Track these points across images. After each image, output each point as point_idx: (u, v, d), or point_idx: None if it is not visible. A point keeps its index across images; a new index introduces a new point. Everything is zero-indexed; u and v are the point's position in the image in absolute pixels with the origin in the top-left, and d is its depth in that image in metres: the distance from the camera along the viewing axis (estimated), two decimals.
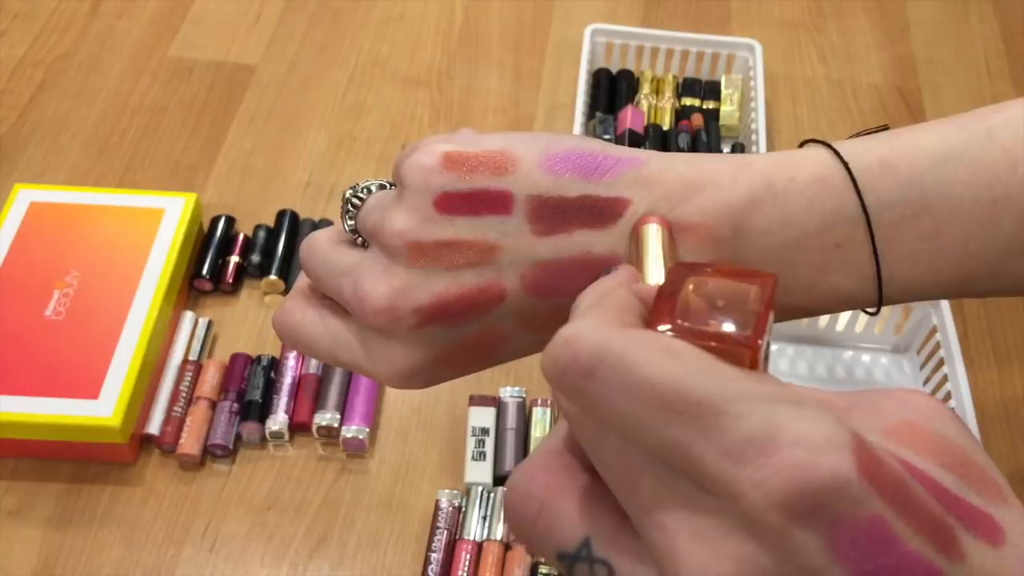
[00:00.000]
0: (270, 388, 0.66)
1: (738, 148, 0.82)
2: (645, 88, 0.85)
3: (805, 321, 0.70)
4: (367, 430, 0.64)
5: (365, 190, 0.37)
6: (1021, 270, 0.36)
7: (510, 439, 0.64)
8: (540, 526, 0.26)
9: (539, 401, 0.65)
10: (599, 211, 0.33)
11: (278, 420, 0.64)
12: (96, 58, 0.88)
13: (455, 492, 0.61)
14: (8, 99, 0.84)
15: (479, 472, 0.62)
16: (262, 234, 0.74)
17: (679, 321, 0.25)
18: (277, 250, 0.73)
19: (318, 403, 0.65)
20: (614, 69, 0.88)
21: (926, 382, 0.67)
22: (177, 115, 0.84)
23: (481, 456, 0.63)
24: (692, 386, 0.23)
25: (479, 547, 0.60)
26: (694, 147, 0.81)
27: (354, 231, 0.37)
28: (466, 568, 0.58)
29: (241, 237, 0.74)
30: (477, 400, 0.65)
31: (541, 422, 0.65)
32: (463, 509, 0.61)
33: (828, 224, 0.34)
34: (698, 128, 0.82)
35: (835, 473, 0.21)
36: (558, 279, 0.34)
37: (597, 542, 0.25)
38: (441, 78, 0.89)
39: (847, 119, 0.87)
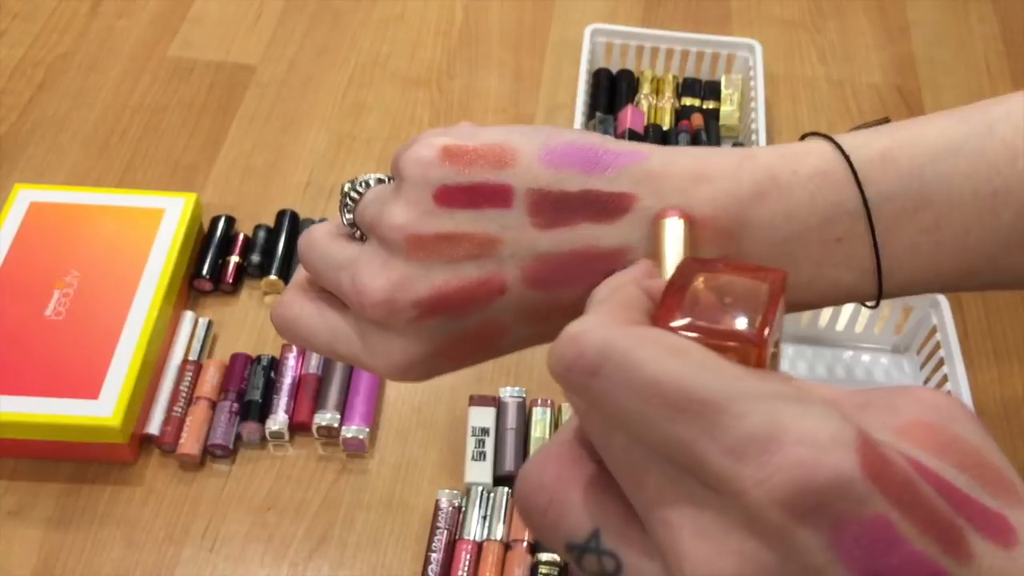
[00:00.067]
0: (270, 388, 0.66)
1: None
2: (645, 88, 0.85)
3: (805, 321, 0.70)
4: (367, 430, 0.64)
5: (364, 184, 0.37)
6: (1021, 263, 0.36)
7: (510, 439, 0.64)
8: (550, 517, 0.26)
9: (539, 401, 0.65)
10: (603, 205, 0.33)
11: (278, 420, 0.64)
12: (96, 58, 0.88)
13: (455, 492, 0.61)
14: (8, 99, 0.84)
15: (479, 472, 0.62)
16: (262, 234, 0.74)
17: (685, 317, 0.25)
18: (277, 250, 0.73)
19: (318, 403, 0.65)
20: (614, 69, 0.88)
21: (926, 382, 0.67)
22: (177, 115, 0.84)
23: (481, 456, 0.63)
24: (695, 384, 0.23)
25: (479, 547, 0.60)
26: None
27: (352, 225, 0.37)
28: (466, 568, 0.58)
29: (241, 237, 0.74)
30: (477, 400, 0.65)
31: (541, 422, 0.65)
32: (463, 509, 0.61)
33: (830, 217, 0.34)
34: (698, 128, 0.82)
35: (838, 472, 0.21)
36: (560, 272, 0.34)
37: (606, 534, 0.25)
38: (441, 78, 0.89)
39: (847, 119, 0.87)
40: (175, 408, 0.64)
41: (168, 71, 0.88)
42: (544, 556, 0.59)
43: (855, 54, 0.94)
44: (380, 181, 0.37)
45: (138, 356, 0.63)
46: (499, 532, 0.60)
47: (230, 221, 0.75)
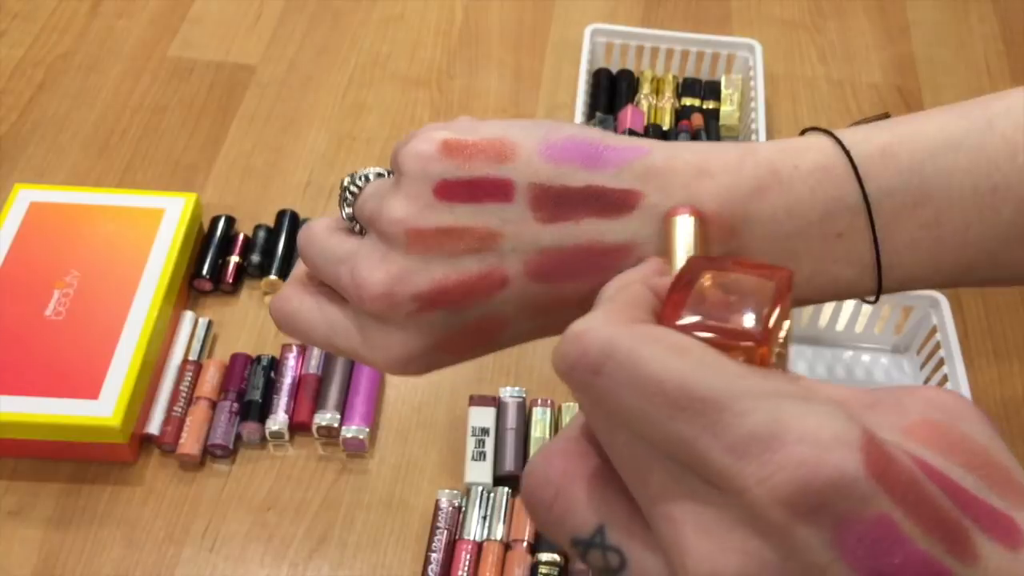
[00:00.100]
0: (270, 388, 0.66)
1: None
2: (645, 88, 0.85)
3: (805, 321, 0.70)
4: (367, 430, 0.64)
5: (363, 178, 0.37)
6: (1020, 258, 0.36)
7: (510, 439, 0.64)
8: (556, 511, 0.26)
9: (539, 401, 0.65)
10: (608, 201, 0.33)
11: (278, 420, 0.64)
12: (96, 58, 0.88)
13: (455, 492, 0.61)
14: (8, 99, 0.84)
15: (479, 472, 0.62)
16: (262, 234, 0.74)
17: (689, 315, 0.25)
18: (277, 250, 0.73)
19: (318, 403, 0.65)
20: (614, 69, 0.88)
21: (926, 382, 0.67)
22: (177, 115, 0.84)
23: (481, 456, 0.63)
24: (697, 382, 0.23)
25: (479, 547, 0.60)
26: None
27: (352, 219, 0.37)
28: (466, 568, 0.58)
29: (241, 237, 0.74)
30: (477, 400, 0.65)
31: (541, 422, 0.65)
32: (463, 509, 0.61)
33: (830, 212, 0.34)
34: (698, 128, 0.82)
35: (840, 470, 0.21)
36: (563, 266, 0.34)
37: (611, 529, 0.25)
38: (441, 78, 0.89)
39: (847, 119, 0.87)
40: (175, 408, 0.64)
41: (168, 71, 0.88)
42: (544, 556, 0.59)
43: (855, 54, 0.94)
44: (380, 175, 0.37)
45: (138, 356, 0.63)
46: (499, 532, 0.60)
47: (230, 221, 0.75)
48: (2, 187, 0.77)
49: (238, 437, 0.64)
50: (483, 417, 0.65)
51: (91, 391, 0.61)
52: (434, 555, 0.59)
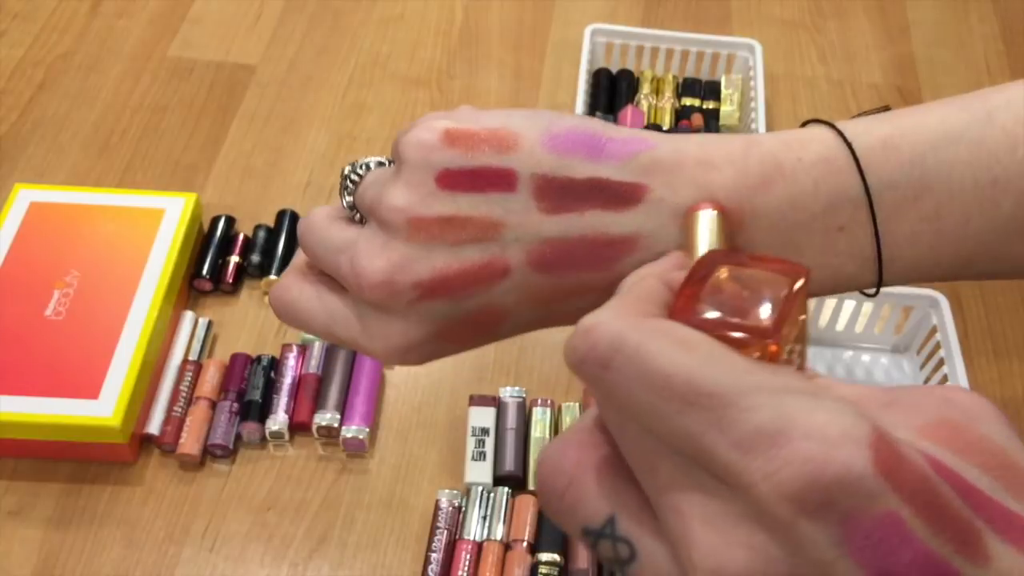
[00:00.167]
0: (270, 388, 0.66)
1: None
2: (645, 88, 0.85)
3: None
4: (367, 430, 0.64)
5: (364, 167, 0.37)
6: (1019, 252, 0.36)
7: (510, 439, 0.64)
8: (567, 501, 0.26)
9: (539, 401, 0.65)
10: (613, 193, 0.33)
11: (278, 420, 0.64)
12: (96, 58, 0.88)
13: (455, 492, 0.61)
14: (8, 99, 0.84)
15: (479, 472, 0.62)
16: (262, 234, 0.74)
17: (701, 310, 0.25)
18: (277, 250, 0.73)
19: (318, 403, 0.65)
20: (614, 69, 0.88)
21: (926, 382, 0.67)
22: (177, 115, 0.84)
23: (481, 456, 0.63)
24: (704, 377, 0.23)
25: (479, 547, 0.60)
26: None
27: (352, 208, 0.37)
28: (466, 568, 0.58)
29: (241, 237, 0.74)
30: (477, 400, 0.65)
31: (541, 422, 0.65)
32: (463, 509, 0.61)
33: (833, 205, 0.34)
34: (698, 128, 0.82)
35: (848, 467, 0.21)
36: (567, 256, 0.34)
37: (621, 520, 0.25)
38: (441, 78, 0.89)
39: (846, 119, 0.87)
40: (175, 408, 0.64)
41: (168, 71, 0.88)
42: (544, 556, 0.59)
43: (855, 54, 0.94)
44: (380, 164, 0.37)
45: (138, 356, 0.63)
46: (499, 532, 0.60)
47: (230, 221, 0.75)
48: (2, 187, 0.77)
49: (238, 437, 0.64)
50: (483, 417, 0.65)
51: (91, 391, 0.61)
52: (434, 555, 0.59)
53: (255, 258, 0.73)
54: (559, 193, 0.33)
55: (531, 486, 0.62)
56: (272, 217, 0.76)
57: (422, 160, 0.33)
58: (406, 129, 0.34)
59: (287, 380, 0.66)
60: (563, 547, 0.60)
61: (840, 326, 0.70)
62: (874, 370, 0.70)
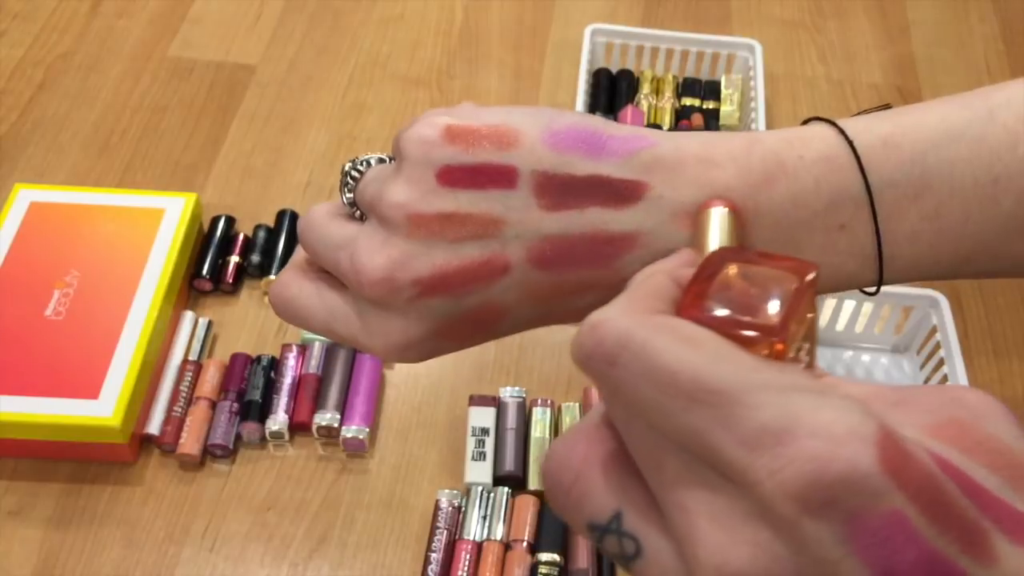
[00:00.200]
0: (270, 388, 0.66)
1: None
2: (645, 88, 0.85)
3: None
4: (367, 430, 0.64)
5: (364, 163, 0.36)
6: (1020, 250, 0.36)
7: (510, 439, 0.64)
8: (574, 495, 0.26)
9: (539, 401, 0.65)
10: (613, 191, 0.33)
11: (278, 420, 0.64)
12: (96, 58, 0.88)
13: (455, 492, 0.61)
14: (8, 99, 0.84)
15: (479, 472, 0.62)
16: (262, 234, 0.74)
17: (708, 307, 0.25)
18: (277, 250, 0.73)
19: (318, 403, 0.65)
20: (614, 69, 0.88)
21: (926, 382, 0.67)
22: (177, 115, 0.84)
23: (481, 456, 0.63)
24: (710, 374, 0.23)
25: (479, 547, 0.60)
26: None
27: (352, 204, 0.36)
28: (466, 568, 0.58)
29: (241, 237, 0.74)
30: (477, 400, 0.65)
31: (541, 422, 0.65)
32: (463, 509, 0.61)
33: (834, 203, 0.34)
34: (698, 128, 0.82)
35: (853, 465, 0.21)
36: (567, 253, 0.33)
37: (627, 516, 0.25)
38: (441, 78, 0.89)
39: (846, 118, 0.87)
40: (175, 408, 0.64)
41: (168, 71, 0.88)
42: (544, 556, 0.59)
43: (855, 54, 0.94)
44: (381, 161, 0.37)
45: (138, 356, 0.63)
46: (499, 532, 0.60)
47: (230, 221, 0.75)
48: (2, 187, 0.77)
49: (238, 437, 0.64)
50: (483, 417, 0.65)
51: (91, 391, 0.61)
52: (434, 555, 0.59)
53: (255, 258, 0.73)
54: (559, 190, 0.33)
55: (531, 486, 0.62)
56: (272, 217, 0.76)
57: (423, 156, 0.33)
58: (407, 125, 0.34)
59: (287, 380, 0.66)
60: (563, 547, 0.60)
61: (840, 326, 0.70)
62: (874, 370, 0.70)
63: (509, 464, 0.63)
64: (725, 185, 0.33)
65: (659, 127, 0.82)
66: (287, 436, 0.65)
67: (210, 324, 0.70)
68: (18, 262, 0.67)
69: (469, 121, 0.33)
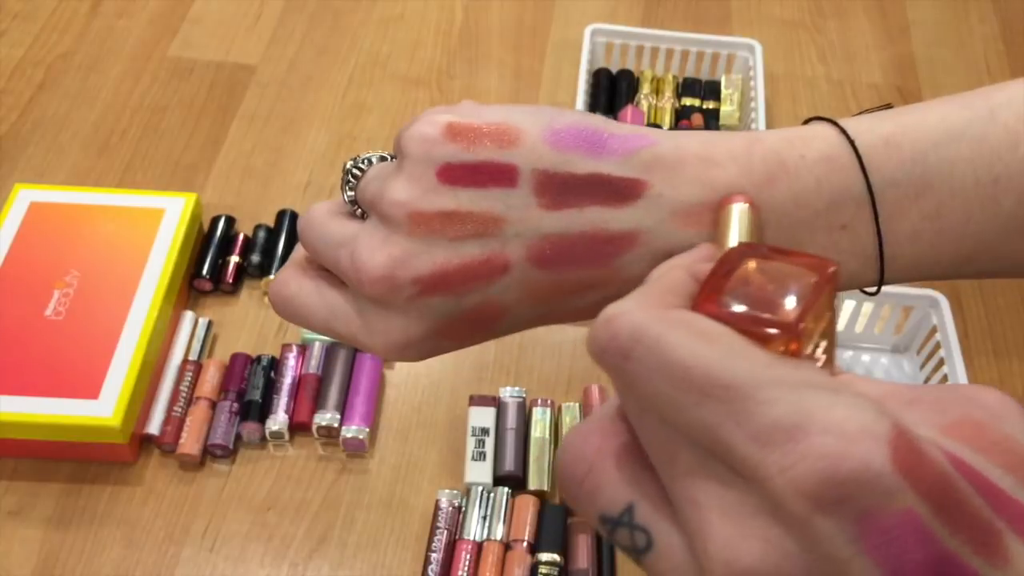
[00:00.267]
0: (270, 388, 0.66)
1: None
2: (645, 88, 0.85)
3: None
4: (367, 430, 0.64)
5: (366, 161, 0.36)
6: (1020, 250, 0.36)
7: (510, 439, 0.64)
8: (586, 487, 0.26)
9: (539, 401, 0.65)
10: (613, 189, 0.33)
11: (278, 420, 0.64)
12: (96, 58, 0.88)
13: (455, 492, 0.61)
14: (8, 99, 0.84)
15: (479, 472, 0.62)
16: (262, 234, 0.74)
17: (724, 302, 0.25)
18: (277, 250, 0.73)
19: (318, 403, 0.65)
20: (614, 69, 0.88)
21: (926, 382, 0.67)
22: (177, 115, 0.84)
23: (481, 456, 0.63)
24: (723, 369, 0.23)
25: (479, 547, 0.60)
26: None
27: (353, 202, 0.36)
28: (466, 568, 0.58)
29: (241, 237, 0.74)
30: (477, 400, 0.65)
31: (541, 422, 0.65)
32: (463, 509, 0.61)
33: (836, 203, 0.34)
34: (698, 128, 0.82)
35: (865, 463, 0.21)
36: (567, 252, 0.33)
37: (640, 509, 0.25)
38: (441, 78, 0.89)
39: (847, 118, 0.87)
40: (175, 408, 0.64)
41: (168, 71, 0.88)
42: (544, 556, 0.59)
43: (855, 54, 0.94)
44: (383, 159, 0.37)
45: (138, 356, 0.63)
46: (499, 532, 0.60)
47: (230, 221, 0.75)
48: (2, 187, 0.77)
49: (238, 437, 0.64)
50: (483, 417, 0.65)
51: (91, 391, 0.61)
52: (434, 555, 0.59)
53: (255, 258, 0.73)
54: (559, 189, 0.33)
55: (531, 486, 0.62)
56: (272, 217, 0.76)
57: (424, 154, 0.33)
58: (408, 123, 0.34)
59: (287, 380, 0.66)
60: (563, 547, 0.60)
61: (840, 326, 0.70)
62: (874, 370, 0.70)
63: (509, 464, 0.63)
64: (726, 184, 0.33)
65: (659, 127, 0.82)
66: (287, 436, 0.65)
67: (210, 324, 0.70)
68: (18, 262, 0.67)
69: (470, 119, 0.33)
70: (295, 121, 0.84)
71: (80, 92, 0.85)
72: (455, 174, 0.33)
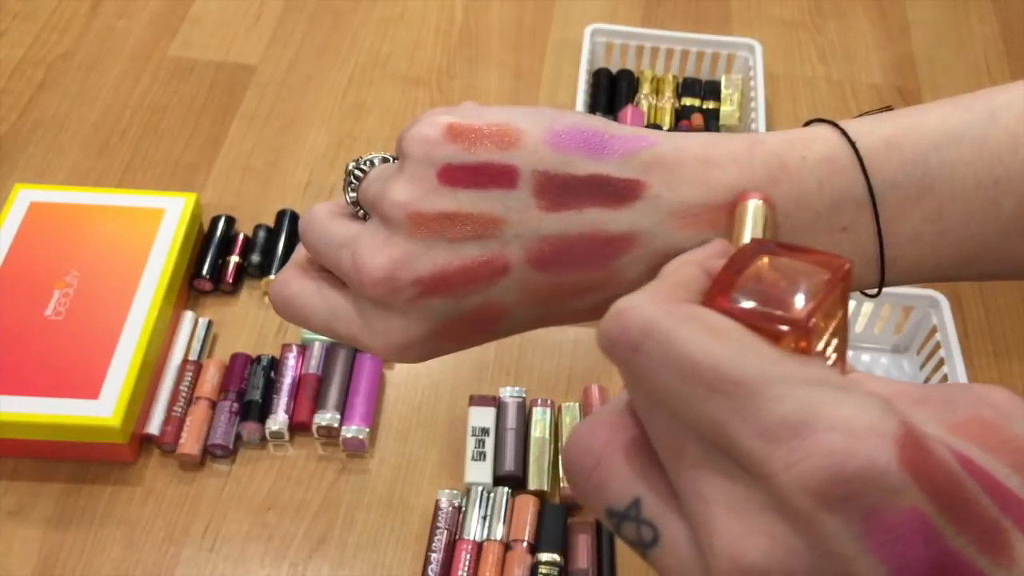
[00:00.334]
0: (270, 388, 0.66)
1: None
2: (645, 88, 0.85)
3: None
4: (367, 430, 0.64)
5: (368, 163, 0.36)
6: (1020, 252, 0.36)
7: (510, 439, 0.64)
8: (594, 481, 0.26)
9: (539, 401, 0.65)
10: (612, 190, 0.33)
11: (278, 420, 0.64)
12: (96, 58, 0.88)
13: (455, 492, 0.61)
14: (8, 99, 0.84)
15: (479, 472, 0.62)
16: (262, 234, 0.74)
17: (735, 298, 0.25)
18: (277, 250, 0.73)
19: (318, 403, 0.65)
20: (614, 69, 0.88)
21: (926, 382, 0.67)
22: (177, 115, 0.84)
23: (481, 456, 0.63)
24: (732, 365, 0.23)
25: (479, 547, 0.60)
26: None
27: (355, 203, 0.37)
28: (466, 568, 0.58)
29: (241, 237, 0.74)
30: (477, 400, 0.65)
31: (541, 422, 0.65)
32: (463, 509, 0.61)
33: (837, 205, 0.34)
34: (698, 128, 0.82)
35: (871, 461, 0.21)
36: (565, 254, 0.33)
37: (646, 504, 0.25)
38: (441, 78, 0.89)
39: (847, 119, 0.87)
40: (175, 408, 0.64)
41: (168, 71, 0.88)
42: (544, 556, 0.59)
43: (855, 54, 0.94)
44: (385, 160, 0.37)
45: (138, 356, 0.63)
46: (499, 532, 0.60)
47: (230, 221, 0.75)
48: (2, 187, 0.77)
49: (238, 437, 0.64)
50: (483, 417, 0.65)
51: (91, 391, 0.61)
52: (434, 555, 0.59)
53: (255, 258, 0.73)
54: (559, 190, 0.33)
55: (531, 486, 0.62)
56: (272, 217, 0.76)
57: (424, 155, 0.33)
58: (410, 124, 0.34)
59: (287, 380, 0.66)
60: (563, 547, 0.60)
61: None
62: (874, 370, 0.70)
63: (509, 464, 0.63)
64: (727, 185, 0.33)
65: (659, 127, 0.82)
66: (287, 436, 0.65)
67: (210, 324, 0.70)
68: (18, 262, 0.67)
69: (471, 120, 0.33)
70: (295, 121, 0.84)
71: (80, 92, 0.85)
72: (455, 175, 0.33)
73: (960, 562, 0.21)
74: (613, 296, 0.28)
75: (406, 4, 0.95)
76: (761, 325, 0.24)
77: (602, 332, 0.25)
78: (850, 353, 0.71)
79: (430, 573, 0.58)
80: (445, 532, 0.60)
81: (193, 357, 0.68)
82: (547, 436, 0.64)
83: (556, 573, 0.59)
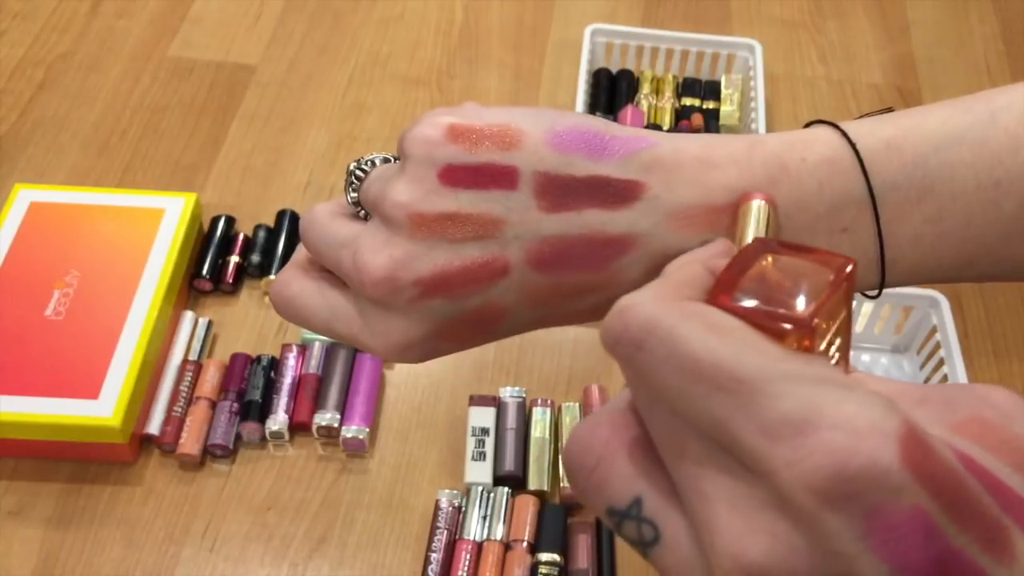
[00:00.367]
0: (270, 388, 0.66)
1: None
2: (645, 88, 0.85)
3: None
4: (367, 430, 0.64)
5: (369, 163, 0.37)
6: (1021, 254, 0.36)
7: (510, 439, 0.64)
8: (595, 479, 0.26)
9: (539, 401, 0.65)
10: (612, 191, 0.33)
11: (278, 420, 0.64)
12: (96, 58, 0.88)
13: (455, 492, 0.61)
14: (8, 99, 0.84)
15: (479, 472, 0.62)
16: (262, 234, 0.74)
17: (738, 297, 0.25)
18: (277, 250, 0.73)
19: (318, 403, 0.65)
20: (614, 69, 0.88)
21: (926, 382, 0.67)
22: (177, 115, 0.84)
23: (481, 456, 0.63)
24: (734, 362, 0.23)
25: (479, 547, 0.60)
26: None
27: (356, 203, 0.37)
28: (466, 568, 0.58)
29: (241, 237, 0.74)
30: (477, 400, 0.65)
31: (541, 422, 0.65)
32: (463, 509, 0.61)
33: (837, 207, 0.34)
34: (698, 128, 0.82)
35: (874, 460, 0.21)
36: (565, 255, 0.33)
37: (647, 502, 0.25)
38: (441, 78, 0.89)
39: (847, 119, 0.87)
40: (175, 408, 0.64)
41: (168, 71, 0.88)
42: (544, 556, 0.59)
43: (855, 54, 0.94)
44: (386, 160, 0.37)
45: (138, 356, 0.63)
46: (499, 532, 0.60)
47: (230, 221, 0.75)
48: (2, 187, 0.77)
49: (238, 437, 0.64)
50: (483, 417, 0.65)
51: (91, 391, 0.61)
52: (434, 555, 0.59)
53: (255, 258, 0.73)
54: (560, 191, 0.33)
55: (531, 486, 0.62)
56: (272, 217, 0.76)
57: (425, 155, 0.33)
58: (411, 125, 0.34)
59: (287, 380, 0.66)
60: (563, 547, 0.60)
61: None
62: (874, 370, 0.70)
63: (509, 464, 0.63)
64: (727, 187, 0.33)
65: (659, 127, 0.82)
66: (287, 436, 0.65)
67: (210, 324, 0.70)
68: (18, 262, 0.67)
69: (472, 121, 0.33)
70: (295, 121, 0.84)
71: (80, 92, 0.85)
72: (456, 176, 0.33)
73: (962, 561, 0.21)
74: (613, 297, 0.28)
75: (406, 4, 0.95)
76: (764, 324, 0.24)
77: (605, 329, 0.25)
78: (850, 353, 0.71)
79: (430, 573, 0.58)
80: (445, 532, 0.60)
81: (193, 357, 0.68)
82: (547, 436, 0.64)
83: (556, 573, 0.59)
